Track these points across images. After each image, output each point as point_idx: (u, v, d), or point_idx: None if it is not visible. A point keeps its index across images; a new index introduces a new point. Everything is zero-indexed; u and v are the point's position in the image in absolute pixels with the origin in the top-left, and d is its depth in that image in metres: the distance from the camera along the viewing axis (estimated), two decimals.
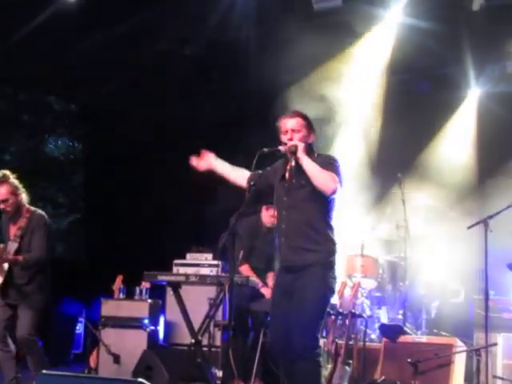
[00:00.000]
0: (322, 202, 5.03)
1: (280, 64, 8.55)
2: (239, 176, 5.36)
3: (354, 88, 9.45)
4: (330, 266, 5.02)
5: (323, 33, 8.19)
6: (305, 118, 5.16)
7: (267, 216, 7.31)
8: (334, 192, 4.93)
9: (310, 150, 5.09)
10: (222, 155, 5.47)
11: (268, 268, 7.33)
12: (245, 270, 7.25)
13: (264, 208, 7.35)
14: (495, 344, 6.72)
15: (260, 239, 7.42)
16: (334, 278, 5.05)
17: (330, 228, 5.09)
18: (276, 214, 6.97)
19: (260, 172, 5.23)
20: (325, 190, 4.92)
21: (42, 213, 6.67)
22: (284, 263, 5.13)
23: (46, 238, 6.51)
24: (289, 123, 5.11)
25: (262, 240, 7.39)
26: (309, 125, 5.15)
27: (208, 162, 5.38)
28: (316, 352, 4.92)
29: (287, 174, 5.07)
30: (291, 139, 5.06)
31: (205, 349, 6.69)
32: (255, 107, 9.64)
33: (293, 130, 5.08)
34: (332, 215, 5.12)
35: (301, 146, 4.98)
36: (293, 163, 5.01)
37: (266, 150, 5.04)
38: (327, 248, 5.03)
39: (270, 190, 5.26)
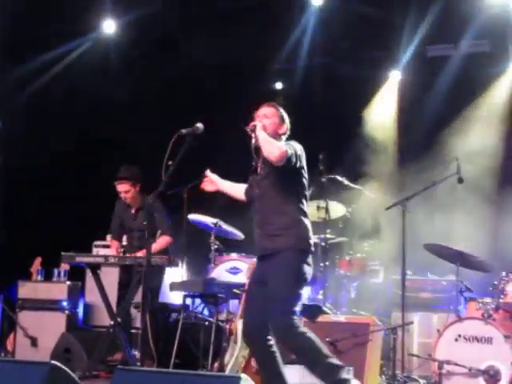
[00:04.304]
0: (287, 184, 5.07)
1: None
2: (238, 191, 5.46)
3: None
4: (301, 250, 5.02)
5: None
6: (279, 110, 5.30)
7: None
8: (279, 159, 4.91)
9: (276, 137, 5.16)
10: None
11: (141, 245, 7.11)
12: (114, 246, 7.21)
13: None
14: (411, 323, 6.88)
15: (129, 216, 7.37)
16: (309, 265, 5.03)
17: (301, 212, 5.10)
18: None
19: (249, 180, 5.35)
20: (270, 158, 4.95)
21: None
22: (259, 253, 5.18)
23: None
24: (263, 110, 5.27)
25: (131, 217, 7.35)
26: (282, 116, 5.28)
27: (214, 184, 5.46)
28: (295, 325, 4.88)
29: (258, 167, 5.19)
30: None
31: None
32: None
33: (264, 115, 5.22)
34: (302, 198, 5.14)
35: (259, 125, 5.07)
36: (253, 141, 5.09)
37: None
38: (297, 232, 5.04)
39: None
